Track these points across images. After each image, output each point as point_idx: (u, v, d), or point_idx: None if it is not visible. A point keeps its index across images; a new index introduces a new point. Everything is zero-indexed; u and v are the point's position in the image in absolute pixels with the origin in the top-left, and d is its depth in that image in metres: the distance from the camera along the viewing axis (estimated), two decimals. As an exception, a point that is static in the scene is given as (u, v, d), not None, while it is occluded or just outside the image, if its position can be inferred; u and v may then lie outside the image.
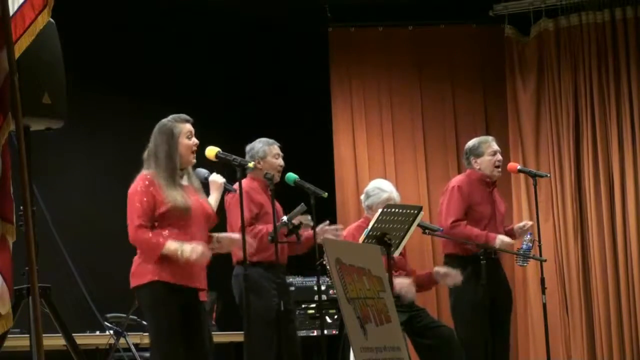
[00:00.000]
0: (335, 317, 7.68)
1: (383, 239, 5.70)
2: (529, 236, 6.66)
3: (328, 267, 4.37)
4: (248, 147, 6.17)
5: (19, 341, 5.14)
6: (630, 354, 8.50)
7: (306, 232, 5.96)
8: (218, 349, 5.36)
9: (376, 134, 9.22)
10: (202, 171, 5.44)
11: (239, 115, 8.68)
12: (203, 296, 5.14)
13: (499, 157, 6.71)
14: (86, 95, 7.43)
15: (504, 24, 9.16)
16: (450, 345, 6.40)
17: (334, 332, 7.56)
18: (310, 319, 7.71)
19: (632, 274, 8.57)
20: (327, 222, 5.98)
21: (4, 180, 3.32)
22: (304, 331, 7.48)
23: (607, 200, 8.74)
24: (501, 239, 6.49)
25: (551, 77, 9.04)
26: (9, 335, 3.85)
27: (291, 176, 5.93)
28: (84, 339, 6.59)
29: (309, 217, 5.74)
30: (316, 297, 7.47)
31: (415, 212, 5.90)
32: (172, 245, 4.65)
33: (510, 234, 6.73)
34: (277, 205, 6.22)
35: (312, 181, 5.93)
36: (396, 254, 5.94)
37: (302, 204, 5.73)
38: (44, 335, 3.34)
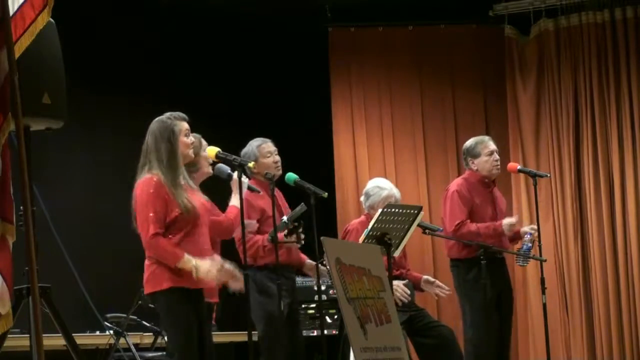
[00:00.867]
0: (335, 317, 7.68)
1: (383, 239, 5.70)
2: (529, 236, 6.67)
3: (328, 267, 4.37)
4: (242, 153, 6.15)
5: (19, 341, 5.14)
6: (630, 354, 8.50)
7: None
8: (218, 349, 5.35)
9: (376, 134, 9.22)
10: (224, 167, 5.42)
11: (239, 115, 8.68)
12: (215, 297, 5.17)
13: (496, 156, 6.72)
14: (86, 95, 7.43)
15: (504, 24, 9.16)
16: (450, 344, 6.41)
17: (334, 332, 7.55)
18: (310, 319, 7.71)
19: (632, 274, 8.56)
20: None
21: (4, 180, 3.32)
22: (304, 331, 7.47)
23: (607, 200, 8.74)
24: (507, 222, 6.53)
25: (551, 77, 9.03)
26: (9, 335, 3.85)
27: (291, 176, 5.93)
28: (84, 339, 6.58)
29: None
30: (316, 297, 7.47)
31: (415, 212, 5.90)
32: (189, 262, 4.63)
33: (517, 235, 6.74)
34: (284, 202, 6.22)
35: (312, 181, 5.93)
36: (396, 254, 5.95)
37: (302, 204, 5.74)
38: (44, 335, 3.34)
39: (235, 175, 5.34)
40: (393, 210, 5.85)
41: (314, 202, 5.76)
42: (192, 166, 5.08)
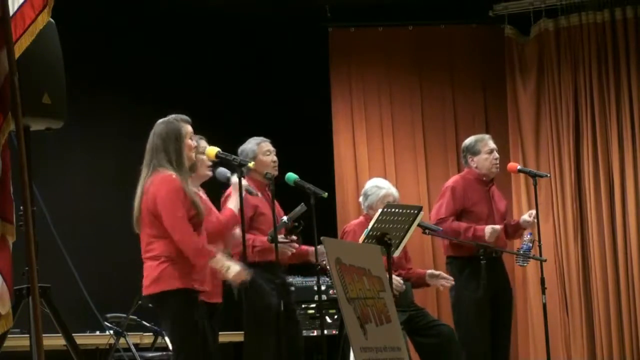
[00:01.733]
0: (335, 317, 7.68)
1: (383, 239, 5.70)
2: (529, 236, 6.67)
3: (328, 267, 4.37)
4: (239, 150, 6.15)
5: (19, 341, 5.14)
6: (630, 354, 8.50)
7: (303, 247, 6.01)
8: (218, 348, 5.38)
9: (376, 134, 9.22)
10: (224, 171, 5.43)
11: (239, 115, 8.68)
12: (218, 297, 5.18)
13: (495, 155, 6.72)
14: (86, 95, 7.43)
15: (504, 24, 9.16)
16: (451, 343, 6.41)
17: (334, 332, 7.55)
18: (310, 319, 7.71)
19: (632, 274, 8.56)
20: None
21: (4, 180, 3.32)
22: (304, 331, 7.47)
23: (607, 200, 8.74)
24: (490, 228, 6.48)
25: (551, 77, 9.03)
26: (9, 335, 3.86)
27: (291, 176, 5.93)
28: (84, 339, 6.59)
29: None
30: (316, 297, 7.47)
31: (415, 212, 5.91)
32: (220, 262, 4.78)
33: (516, 227, 6.74)
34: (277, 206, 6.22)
35: (312, 181, 5.93)
36: (396, 254, 5.95)
37: (302, 204, 5.73)
38: (44, 335, 3.34)
39: (234, 178, 5.35)
40: (393, 210, 5.85)
41: (314, 202, 5.76)
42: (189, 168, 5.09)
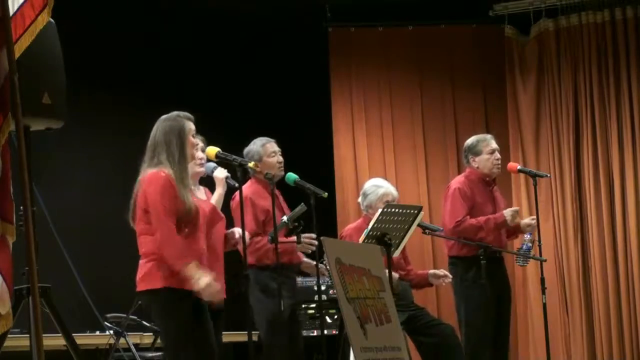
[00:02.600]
0: (335, 317, 7.67)
1: (383, 239, 5.70)
2: (529, 236, 6.67)
3: (328, 267, 4.37)
4: (245, 151, 6.16)
5: (19, 341, 5.14)
6: (630, 354, 8.50)
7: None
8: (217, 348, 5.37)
9: (376, 134, 9.22)
10: (210, 165, 5.43)
11: (239, 115, 8.68)
12: (222, 293, 5.16)
13: (497, 155, 6.72)
14: (86, 95, 7.43)
15: (504, 24, 9.16)
16: (451, 342, 6.41)
17: (334, 332, 7.55)
18: (310, 319, 7.70)
19: (632, 274, 8.56)
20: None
21: (4, 180, 3.32)
22: (304, 331, 7.48)
23: (607, 200, 8.74)
24: (510, 211, 6.55)
25: (551, 77, 9.03)
26: (9, 335, 3.85)
27: (291, 176, 5.93)
28: (84, 339, 6.59)
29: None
30: (316, 297, 7.47)
31: (415, 212, 5.91)
32: (192, 270, 4.59)
33: (516, 229, 6.74)
34: (284, 203, 6.22)
35: (312, 181, 5.93)
36: (396, 254, 5.95)
37: (302, 204, 5.74)
38: (44, 335, 3.34)
39: (215, 172, 5.35)
40: (393, 210, 5.85)
41: (314, 202, 5.76)
42: None
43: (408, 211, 5.89)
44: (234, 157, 5.31)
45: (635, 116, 8.73)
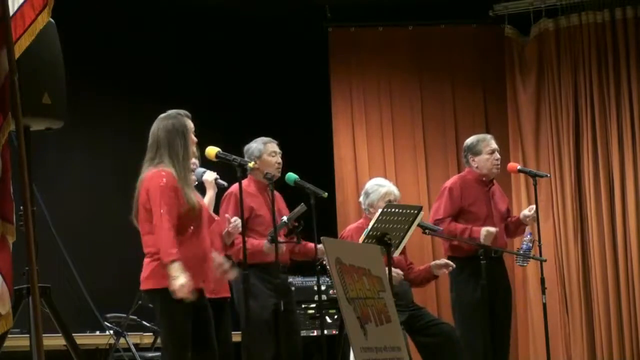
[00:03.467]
0: (335, 317, 7.68)
1: (383, 239, 5.70)
2: (529, 236, 6.67)
3: (328, 267, 4.37)
4: (245, 148, 6.18)
5: (19, 341, 5.14)
6: (630, 354, 8.50)
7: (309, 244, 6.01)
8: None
9: (376, 134, 9.22)
10: (199, 170, 5.46)
11: (239, 115, 8.68)
12: (226, 291, 5.15)
13: (497, 155, 6.72)
14: (86, 95, 7.43)
15: (504, 24, 9.16)
16: (452, 342, 6.41)
17: (334, 332, 7.55)
18: (310, 319, 7.71)
19: (632, 274, 8.56)
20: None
21: (4, 180, 3.32)
22: (304, 331, 7.48)
23: (607, 200, 8.74)
24: (485, 230, 6.47)
25: (551, 77, 9.03)
26: (9, 335, 3.86)
27: (291, 176, 5.93)
28: (84, 339, 6.59)
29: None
30: (316, 297, 7.47)
31: (415, 212, 5.91)
32: (174, 269, 4.56)
33: (517, 224, 6.73)
34: (283, 203, 6.22)
35: (312, 181, 5.93)
36: (396, 254, 5.95)
37: (302, 204, 5.74)
38: (44, 335, 3.34)
39: (204, 175, 5.36)
40: (393, 210, 5.84)
41: (314, 202, 5.76)
42: None
43: (408, 211, 5.89)
44: (233, 157, 5.32)
45: (635, 116, 8.73)
